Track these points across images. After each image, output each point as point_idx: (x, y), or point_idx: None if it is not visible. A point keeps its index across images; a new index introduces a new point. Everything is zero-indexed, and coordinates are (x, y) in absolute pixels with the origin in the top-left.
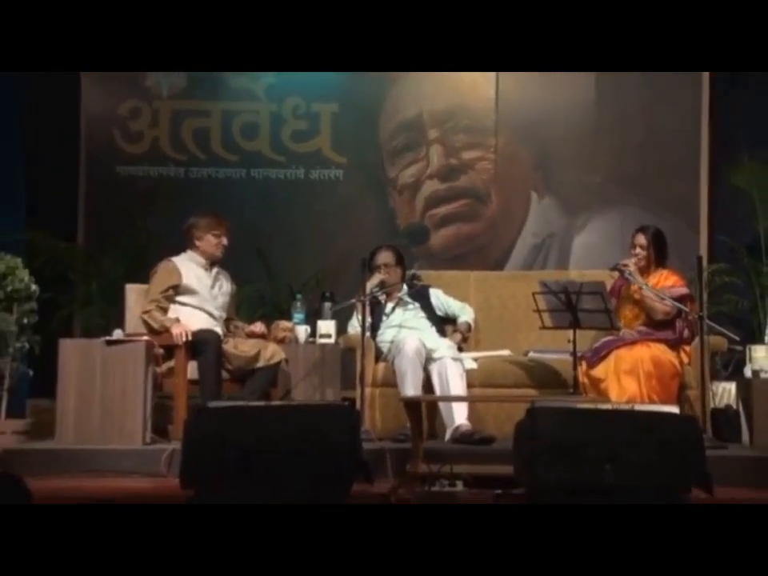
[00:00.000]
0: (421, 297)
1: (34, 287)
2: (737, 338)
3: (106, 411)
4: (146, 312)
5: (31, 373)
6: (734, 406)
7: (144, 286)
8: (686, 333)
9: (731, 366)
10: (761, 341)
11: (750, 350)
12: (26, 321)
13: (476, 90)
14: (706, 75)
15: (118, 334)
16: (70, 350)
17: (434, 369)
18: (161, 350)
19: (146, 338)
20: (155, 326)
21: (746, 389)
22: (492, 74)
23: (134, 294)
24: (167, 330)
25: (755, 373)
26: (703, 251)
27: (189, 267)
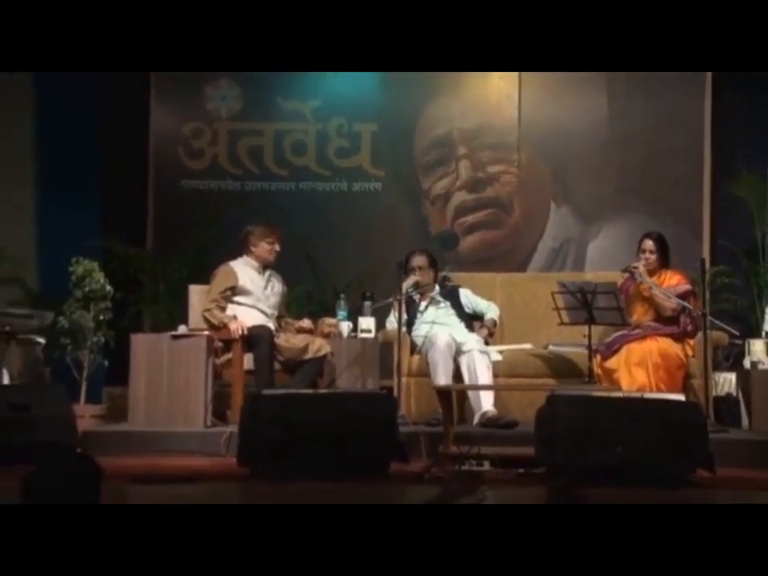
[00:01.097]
0: (451, 296)
1: (108, 288)
2: (736, 333)
3: (172, 397)
4: (207, 310)
5: (106, 363)
6: (734, 394)
7: (205, 287)
8: (690, 328)
9: (731, 358)
10: (758, 335)
11: (748, 343)
12: (101, 318)
13: (500, 110)
14: (708, 97)
15: (182, 329)
16: (140, 343)
17: (463, 360)
18: (220, 344)
19: (206, 333)
20: (215, 322)
21: (745, 379)
22: (515, 96)
23: (196, 294)
24: (225, 326)
25: (753, 364)
26: (706, 255)
27: (244, 270)
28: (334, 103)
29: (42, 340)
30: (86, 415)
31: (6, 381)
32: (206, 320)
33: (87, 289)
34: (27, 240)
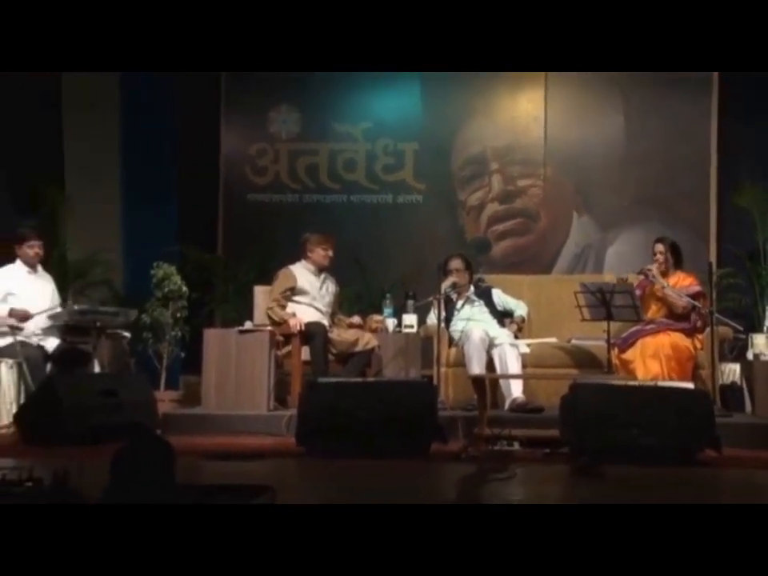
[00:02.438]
0: (484, 295)
1: (184, 289)
2: (740, 328)
3: (239, 385)
4: (270, 308)
5: (183, 355)
6: (738, 383)
7: (268, 288)
8: (699, 324)
9: (736, 350)
10: (760, 330)
11: (751, 337)
12: (178, 315)
13: (528, 130)
14: (714, 118)
15: (248, 325)
16: (212, 337)
17: (496, 353)
18: (281, 338)
19: (269, 328)
20: (276, 319)
21: (748, 369)
22: (541, 118)
23: (260, 294)
24: (286, 322)
25: (756, 356)
26: (713, 258)
27: (302, 273)
28: (381, 125)
29: (127, 334)
30: (165, 400)
31: (96, 370)
32: (269, 317)
33: (166, 290)
34: (115, 247)
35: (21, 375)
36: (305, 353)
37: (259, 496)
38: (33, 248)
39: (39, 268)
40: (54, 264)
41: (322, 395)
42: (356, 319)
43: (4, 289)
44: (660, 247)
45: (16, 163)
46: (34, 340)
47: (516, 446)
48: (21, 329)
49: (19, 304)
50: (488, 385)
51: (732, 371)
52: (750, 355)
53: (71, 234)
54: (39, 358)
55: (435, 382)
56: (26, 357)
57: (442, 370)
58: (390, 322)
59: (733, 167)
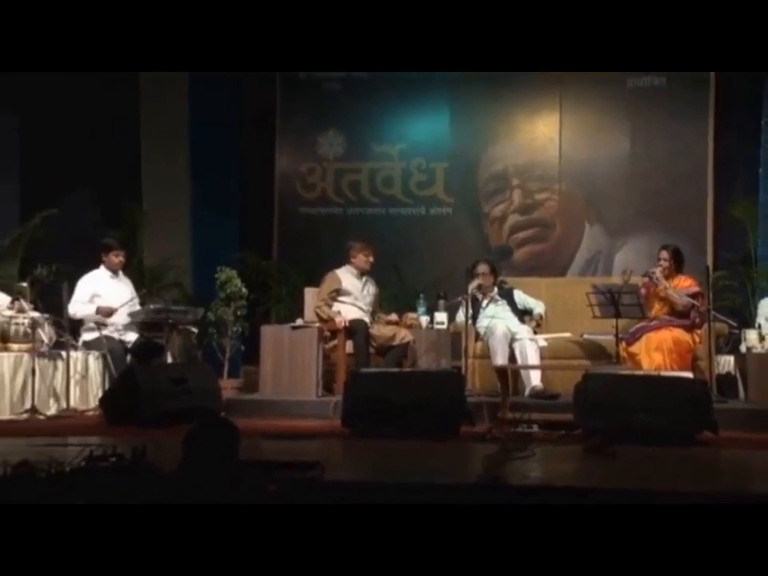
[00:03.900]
0: (507, 295)
1: (244, 290)
2: (734, 324)
3: (292, 374)
4: (318, 307)
5: (243, 348)
6: (733, 373)
7: (316, 289)
8: (697, 320)
9: (730, 344)
10: (752, 326)
11: (744, 332)
12: (239, 313)
13: (545, 150)
14: (711, 139)
15: (299, 322)
16: (268, 332)
17: (517, 346)
18: (328, 333)
19: (317, 324)
20: (324, 316)
21: (741, 360)
22: (557, 139)
23: (309, 295)
24: (332, 320)
25: (748, 349)
26: (710, 263)
27: (346, 276)
28: (415, 147)
29: (195, 330)
30: (228, 387)
31: (169, 360)
32: (317, 315)
33: (228, 291)
34: (185, 254)
35: (105, 365)
36: (349, 346)
37: (310, 471)
38: (117, 257)
39: (120, 273)
40: (133, 269)
41: (364, 383)
42: (393, 317)
43: (91, 290)
44: (665, 254)
45: (103, 184)
46: (116, 335)
47: (535, 428)
48: (106, 325)
49: (103, 304)
50: (510, 374)
51: (727, 362)
52: (743, 348)
53: (147, 243)
54: (121, 351)
55: (463, 371)
56: (109, 349)
57: (470, 361)
58: (424, 319)
59: (727, 182)
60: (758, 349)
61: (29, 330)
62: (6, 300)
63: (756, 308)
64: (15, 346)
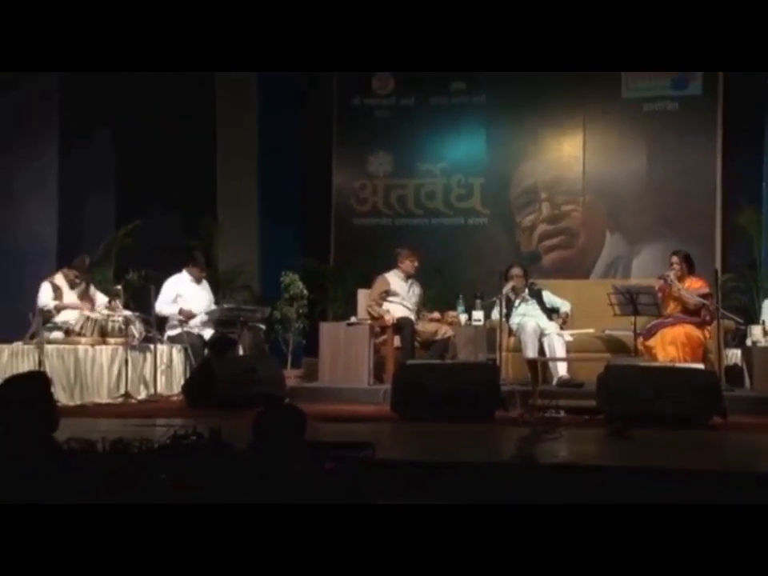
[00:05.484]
0: (536, 296)
1: (305, 291)
2: (741, 321)
3: (347, 365)
4: (369, 306)
5: (304, 342)
6: (740, 365)
7: (368, 291)
8: (708, 318)
9: (737, 339)
10: (757, 323)
11: (749, 329)
12: (300, 311)
13: (570, 167)
14: (719, 155)
15: (353, 319)
16: (326, 329)
17: (546, 341)
18: (378, 329)
19: (369, 322)
20: (375, 314)
21: (747, 353)
22: (581, 157)
23: (362, 296)
24: (382, 317)
25: (753, 343)
26: (718, 266)
27: (394, 279)
28: (455, 164)
29: (263, 326)
30: (291, 376)
31: (240, 352)
32: (369, 313)
33: (291, 292)
34: (253, 260)
35: (186, 357)
36: (396, 341)
37: (362, 450)
38: (201, 272)
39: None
40: (209, 274)
41: (410, 374)
42: (436, 314)
43: (175, 292)
44: (676, 258)
45: (184, 199)
46: (196, 330)
47: (562, 413)
48: (187, 322)
49: (185, 304)
50: (539, 366)
51: (734, 355)
52: (748, 342)
53: (222, 250)
54: (199, 344)
55: (498, 363)
56: (190, 343)
57: (503, 354)
58: (463, 317)
59: (733, 195)
60: (762, 343)
61: (123, 327)
62: (104, 300)
63: (760, 307)
64: (111, 340)
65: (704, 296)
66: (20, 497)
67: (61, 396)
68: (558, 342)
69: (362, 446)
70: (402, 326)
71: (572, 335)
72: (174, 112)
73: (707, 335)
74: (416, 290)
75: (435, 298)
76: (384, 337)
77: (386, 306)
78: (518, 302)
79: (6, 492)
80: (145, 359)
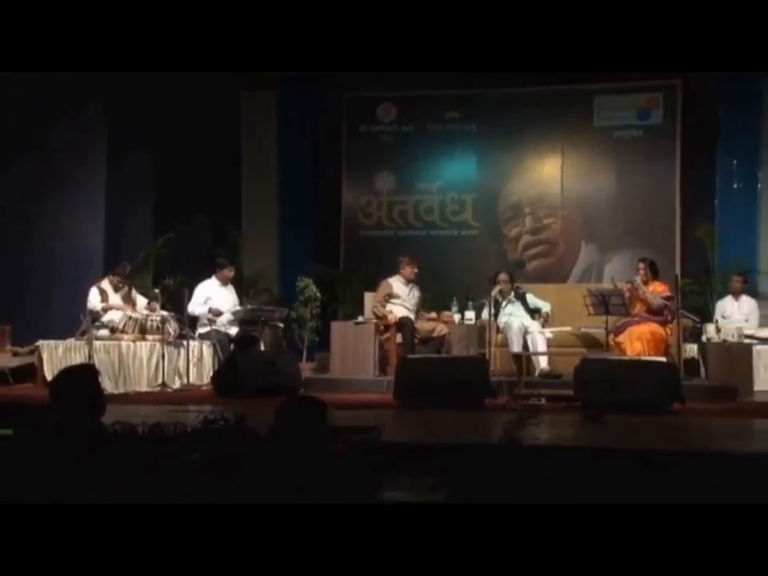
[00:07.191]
0: (521, 298)
1: (318, 294)
2: (697, 320)
3: (355, 359)
4: (374, 307)
5: (317, 339)
6: (696, 358)
7: (373, 294)
8: (669, 317)
9: (694, 335)
10: (710, 321)
11: (704, 326)
12: (314, 312)
13: (550, 185)
14: (678, 174)
15: (360, 319)
16: (336, 327)
17: (529, 337)
18: (382, 328)
19: (374, 321)
20: (379, 314)
21: (702, 348)
22: (559, 176)
23: (368, 298)
24: (385, 317)
25: (708, 339)
26: (678, 272)
27: (396, 284)
28: (450, 183)
29: (281, 325)
30: (306, 369)
31: (261, 348)
32: (374, 313)
33: (306, 295)
34: (273, 266)
35: (215, 351)
36: (398, 338)
37: (369, 433)
38: (231, 272)
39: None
40: (235, 278)
41: (411, 366)
42: (433, 314)
43: (205, 295)
44: (642, 265)
45: (214, 215)
46: (223, 329)
47: (543, 401)
48: (215, 321)
49: (214, 305)
50: (524, 359)
51: (692, 349)
52: (704, 338)
53: (245, 257)
54: (226, 341)
55: (487, 357)
56: (218, 340)
57: (492, 349)
58: (456, 317)
59: (691, 210)
60: (715, 339)
61: (160, 325)
62: (144, 302)
63: (714, 308)
64: (150, 337)
65: (666, 298)
66: (70, 477)
67: (107, 385)
68: (539, 339)
69: (369, 429)
70: (403, 324)
71: (552, 332)
72: (204, 137)
73: (669, 332)
74: (415, 292)
75: (432, 300)
76: (387, 334)
77: (389, 307)
78: (504, 303)
79: (57, 471)
80: (179, 353)
